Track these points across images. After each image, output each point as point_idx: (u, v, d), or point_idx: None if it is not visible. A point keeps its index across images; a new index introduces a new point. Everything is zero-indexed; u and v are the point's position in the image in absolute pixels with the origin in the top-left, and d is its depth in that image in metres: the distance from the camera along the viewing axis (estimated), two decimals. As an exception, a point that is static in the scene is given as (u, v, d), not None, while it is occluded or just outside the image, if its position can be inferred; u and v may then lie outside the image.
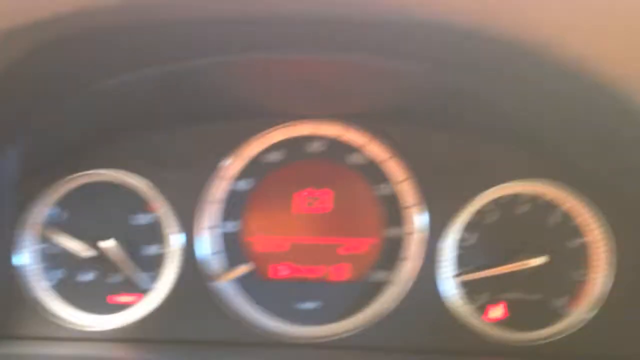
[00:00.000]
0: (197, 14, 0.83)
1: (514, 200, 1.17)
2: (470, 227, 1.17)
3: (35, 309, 1.20)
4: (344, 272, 1.20)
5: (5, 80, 0.88)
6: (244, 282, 1.20)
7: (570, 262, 1.14)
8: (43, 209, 1.22)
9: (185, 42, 0.91)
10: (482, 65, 0.91)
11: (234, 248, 1.22)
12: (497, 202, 1.17)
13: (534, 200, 1.17)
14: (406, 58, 0.94)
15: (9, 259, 1.20)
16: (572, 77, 0.79)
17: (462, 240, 1.17)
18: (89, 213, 1.22)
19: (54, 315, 1.20)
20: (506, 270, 1.13)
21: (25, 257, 1.21)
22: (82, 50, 0.90)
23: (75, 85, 1.02)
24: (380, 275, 1.19)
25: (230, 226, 1.22)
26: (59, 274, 1.22)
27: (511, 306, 1.15)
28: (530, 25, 0.75)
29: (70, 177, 1.23)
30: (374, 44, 0.90)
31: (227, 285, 1.20)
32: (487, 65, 0.91)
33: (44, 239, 1.22)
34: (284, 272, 1.21)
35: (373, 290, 1.19)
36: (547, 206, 1.16)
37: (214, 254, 1.21)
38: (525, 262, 1.12)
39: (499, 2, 0.74)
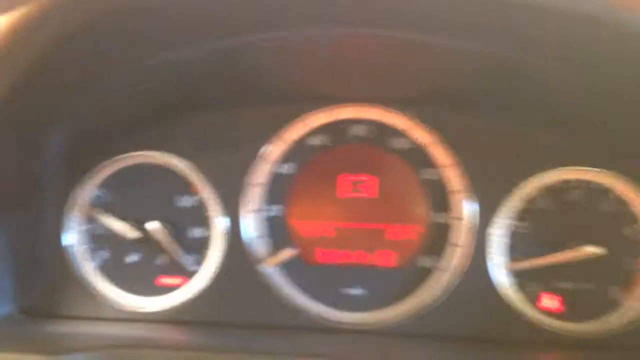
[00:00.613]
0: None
1: (565, 187, 1.13)
2: (521, 214, 1.14)
3: (83, 289, 1.21)
4: (390, 258, 1.18)
5: (52, 56, 0.87)
6: (289, 267, 1.19)
7: (626, 250, 1.10)
8: (90, 190, 1.23)
9: (235, 18, 0.89)
10: (538, 43, 0.88)
11: (278, 232, 1.21)
12: (547, 189, 1.13)
13: (587, 187, 1.13)
14: (457, 35, 0.91)
15: (57, 239, 1.22)
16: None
17: (513, 228, 1.14)
18: (134, 195, 1.23)
19: (100, 296, 1.21)
20: (559, 260, 1.09)
21: (72, 238, 1.22)
22: (129, 26, 0.88)
23: (122, 63, 1.01)
24: (427, 261, 1.17)
25: (275, 210, 1.21)
26: (105, 254, 1.23)
27: (565, 296, 1.12)
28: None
29: (116, 158, 1.23)
30: (424, 19, 0.87)
31: (272, 269, 1.19)
32: (543, 43, 0.87)
33: (91, 220, 1.23)
34: (329, 257, 1.20)
35: (420, 277, 1.17)
36: (600, 193, 1.12)
37: (258, 237, 1.20)
38: (579, 250, 1.09)
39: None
